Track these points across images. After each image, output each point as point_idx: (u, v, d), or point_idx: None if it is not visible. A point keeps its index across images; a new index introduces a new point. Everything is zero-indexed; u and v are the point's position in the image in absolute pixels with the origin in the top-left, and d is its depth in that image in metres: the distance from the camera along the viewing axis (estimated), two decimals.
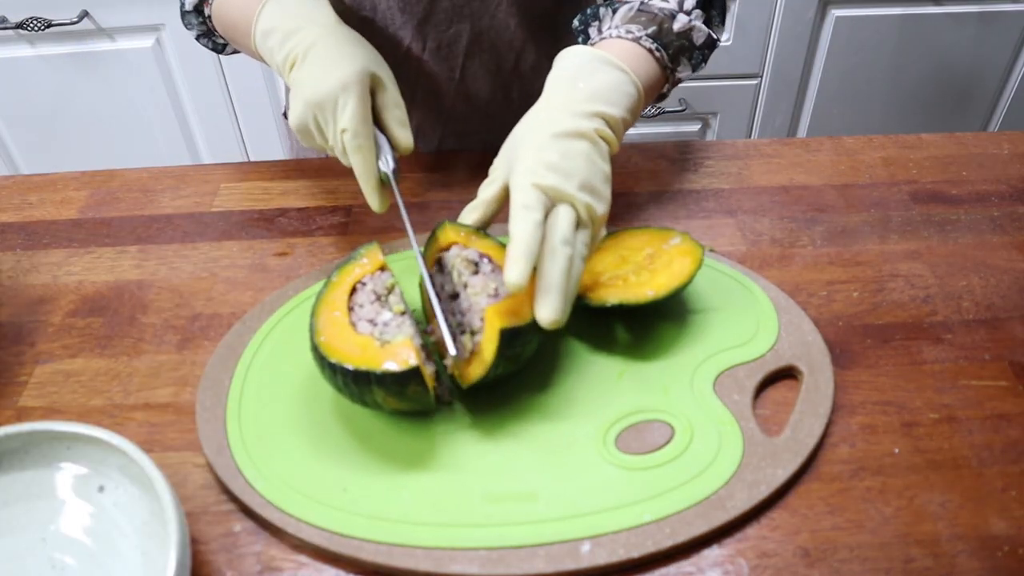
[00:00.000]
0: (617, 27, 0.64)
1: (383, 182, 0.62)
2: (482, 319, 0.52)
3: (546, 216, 0.51)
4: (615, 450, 0.51)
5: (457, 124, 0.82)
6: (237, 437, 0.52)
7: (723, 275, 0.63)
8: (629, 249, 0.60)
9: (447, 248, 0.57)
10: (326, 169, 0.78)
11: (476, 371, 0.51)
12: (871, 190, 0.73)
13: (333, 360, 0.49)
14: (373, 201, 0.61)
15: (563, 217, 0.51)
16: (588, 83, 0.57)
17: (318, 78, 0.59)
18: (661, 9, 0.65)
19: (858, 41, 1.47)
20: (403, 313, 0.53)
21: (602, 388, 0.54)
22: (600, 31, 0.66)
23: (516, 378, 0.55)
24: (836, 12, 1.43)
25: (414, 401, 0.50)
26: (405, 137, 0.62)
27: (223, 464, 0.51)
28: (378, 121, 0.62)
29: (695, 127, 1.60)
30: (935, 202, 0.72)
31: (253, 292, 0.64)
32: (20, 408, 0.56)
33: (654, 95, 0.67)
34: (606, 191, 0.54)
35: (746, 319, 0.59)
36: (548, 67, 0.81)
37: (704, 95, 1.53)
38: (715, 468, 0.49)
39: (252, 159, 1.57)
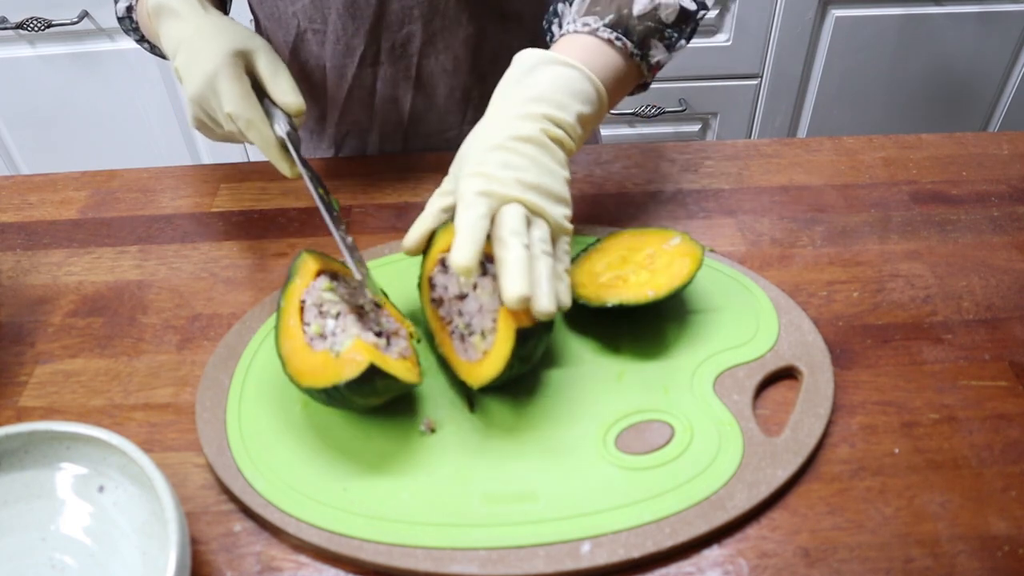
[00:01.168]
0: (573, 21, 0.61)
1: (286, 149, 0.63)
2: (494, 320, 0.52)
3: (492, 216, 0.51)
4: (615, 450, 0.51)
5: (419, 125, 0.82)
6: (237, 437, 0.52)
7: (723, 275, 0.63)
8: (629, 249, 0.60)
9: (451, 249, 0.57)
10: (326, 170, 0.78)
11: (490, 371, 0.51)
12: (871, 190, 0.73)
13: (305, 386, 0.50)
14: (282, 168, 0.62)
15: (509, 213, 0.50)
16: (532, 86, 0.56)
17: (191, 75, 0.61)
18: None
19: (858, 41, 1.47)
20: (338, 315, 0.53)
21: (602, 388, 0.54)
22: (560, 27, 0.64)
23: (517, 378, 0.55)
24: (836, 12, 1.43)
25: (390, 391, 0.50)
26: (290, 100, 0.63)
27: (223, 464, 0.51)
28: (264, 92, 0.63)
29: (695, 127, 1.60)
30: (935, 202, 0.72)
31: (253, 292, 0.64)
32: (20, 408, 0.56)
33: (628, 87, 0.64)
34: (564, 192, 0.54)
35: (746, 319, 0.59)
36: (505, 58, 0.81)
37: (704, 95, 1.53)
38: (715, 468, 0.49)
39: (252, 159, 1.57)
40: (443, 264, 0.57)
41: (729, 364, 0.56)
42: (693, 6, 0.63)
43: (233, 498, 0.50)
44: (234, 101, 0.60)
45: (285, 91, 0.63)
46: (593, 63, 0.58)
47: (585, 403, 0.54)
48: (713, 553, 0.46)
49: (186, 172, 0.79)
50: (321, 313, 0.53)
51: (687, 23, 0.63)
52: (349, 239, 0.57)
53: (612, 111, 0.92)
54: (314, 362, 0.50)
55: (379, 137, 0.84)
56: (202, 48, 0.61)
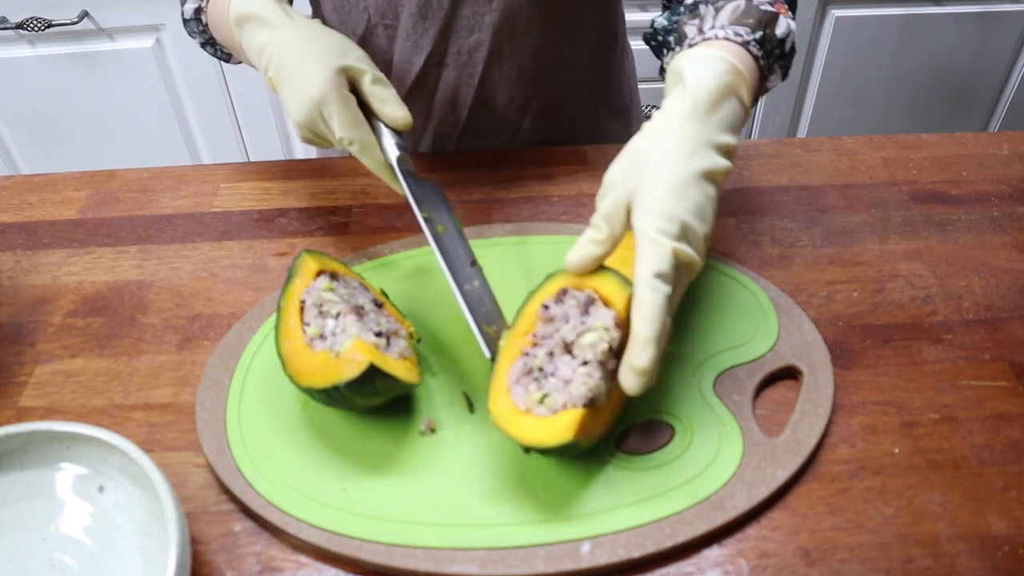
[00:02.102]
0: (723, 27, 0.58)
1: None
2: (565, 406, 0.47)
3: None
4: (615, 450, 0.51)
5: (475, 129, 0.82)
6: (237, 437, 0.52)
7: (723, 275, 0.63)
8: (627, 248, 0.60)
9: (606, 302, 0.50)
10: (326, 169, 0.78)
11: (512, 431, 0.47)
12: (871, 190, 0.73)
13: (305, 386, 0.50)
14: (396, 188, 0.61)
15: (680, 287, 0.49)
16: (726, 110, 0.53)
17: (297, 96, 0.60)
18: (765, 7, 0.59)
19: (858, 41, 1.47)
20: (338, 315, 0.52)
21: None
22: (702, 30, 0.60)
23: None
24: (836, 12, 1.43)
25: (390, 391, 0.51)
26: (397, 116, 0.61)
27: (223, 464, 0.51)
28: (368, 108, 0.62)
29: None
30: (935, 202, 0.72)
31: (253, 292, 0.64)
32: (20, 408, 0.56)
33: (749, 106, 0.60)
34: (711, 221, 0.51)
35: (746, 319, 0.59)
36: (566, 69, 0.81)
37: None
38: (715, 468, 0.49)
39: (252, 159, 1.57)
40: (588, 303, 0.50)
41: (729, 364, 0.56)
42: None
43: (233, 498, 0.50)
44: (346, 128, 0.59)
45: (391, 107, 0.61)
46: (752, 80, 0.57)
47: None
48: (713, 553, 0.46)
49: (186, 172, 0.79)
50: (321, 313, 0.53)
51: (792, 56, 0.62)
52: (476, 283, 0.54)
53: None
54: (314, 362, 0.50)
55: (433, 138, 0.83)
56: (303, 68, 0.60)
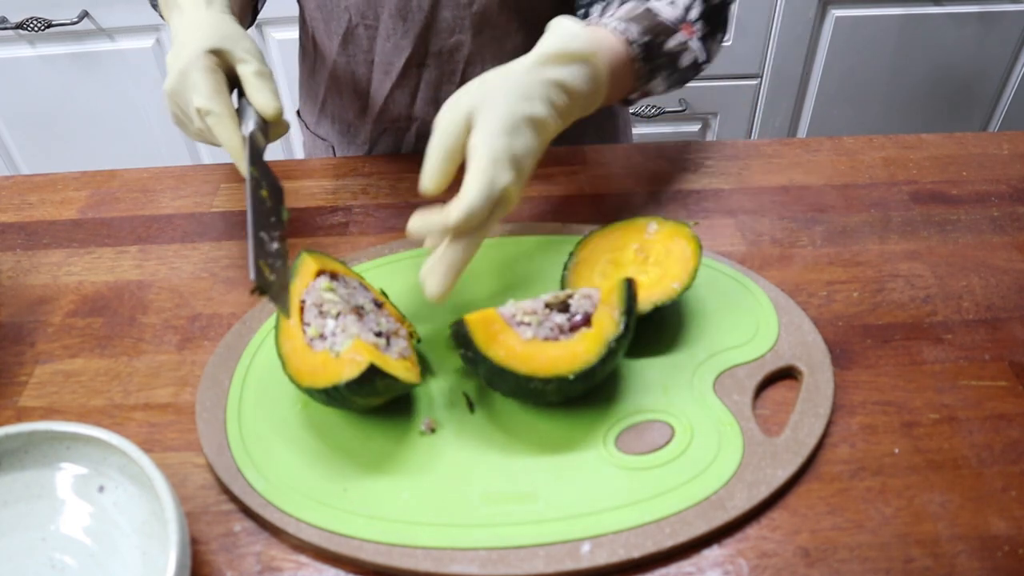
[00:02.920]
0: (618, 19, 0.64)
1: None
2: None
3: None
4: (615, 450, 0.51)
5: None
6: (237, 437, 0.52)
7: (723, 275, 0.63)
8: (612, 251, 0.60)
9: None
10: (326, 169, 0.78)
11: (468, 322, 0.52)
12: (871, 190, 0.73)
13: (305, 386, 0.50)
14: (242, 169, 0.58)
15: (502, 206, 0.53)
16: (567, 71, 0.57)
17: (169, 70, 0.61)
18: (664, 20, 0.64)
19: (858, 41, 1.47)
20: (338, 315, 0.52)
21: (602, 388, 0.54)
22: (601, 14, 0.66)
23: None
24: (836, 12, 1.43)
25: (390, 391, 0.50)
26: (268, 104, 0.60)
27: (223, 464, 0.51)
28: (243, 94, 0.62)
29: (695, 127, 1.60)
30: (935, 202, 0.72)
31: None
32: (20, 408, 0.56)
33: (615, 99, 0.66)
34: (531, 170, 0.56)
35: (746, 319, 0.59)
36: None
37: (704, 95, 1.53)
38: (715, 468, 0.49)
39: None
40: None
41: (729, 364, 0.56)
42: (703, 57, 0.67)
43: (233, 498, 0.50)
44: (204, 95, 0.58)
45: (264, 95, 0.60)
46: (615, 68, 0.61)
47: (585, 403, 0.54)
48: (713, 553, 0.46)
49: (186, 172, 0.79)
50: (321, 313, 0.53)
51: (693, 72, 0.66)
52: (275, 246, 0.53)
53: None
54: (314, 362, 0.50)
55: (416, 137, 0.84)
56: (184, 44, 0.61)
